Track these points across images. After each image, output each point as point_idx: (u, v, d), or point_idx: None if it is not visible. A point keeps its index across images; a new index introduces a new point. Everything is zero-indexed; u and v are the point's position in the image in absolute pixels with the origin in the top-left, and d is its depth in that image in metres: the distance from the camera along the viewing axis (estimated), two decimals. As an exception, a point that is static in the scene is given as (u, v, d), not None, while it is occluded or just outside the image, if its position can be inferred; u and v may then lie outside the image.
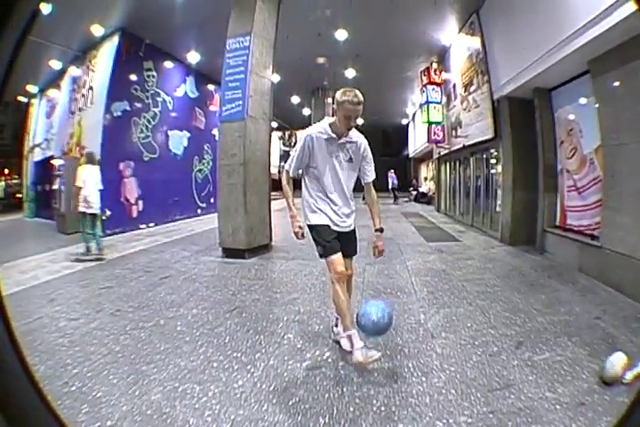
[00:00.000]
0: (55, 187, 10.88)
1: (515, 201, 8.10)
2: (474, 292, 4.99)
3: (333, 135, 3.07)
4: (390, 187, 22.36)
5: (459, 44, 11.28)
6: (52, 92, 13.60)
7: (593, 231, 5.89)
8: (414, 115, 22.31)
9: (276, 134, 36.36)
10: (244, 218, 7.09)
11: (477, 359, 3.16)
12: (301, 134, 3.19)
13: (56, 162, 11.40)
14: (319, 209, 3.17)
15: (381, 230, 3.32)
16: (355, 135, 3.18)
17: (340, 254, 3.13)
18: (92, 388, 2.66)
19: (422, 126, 16.29)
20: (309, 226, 3.21)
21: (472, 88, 10.28)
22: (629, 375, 2.80)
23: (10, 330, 0.89)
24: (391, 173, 22.82)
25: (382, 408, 2.51)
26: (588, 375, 2.86)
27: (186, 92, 13.54)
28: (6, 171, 23.28)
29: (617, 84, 5.11)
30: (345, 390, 2.74)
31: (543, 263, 6.55)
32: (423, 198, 21.64)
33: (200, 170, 14.22)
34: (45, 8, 8.05)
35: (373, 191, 3.39)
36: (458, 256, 7.22)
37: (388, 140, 32.26)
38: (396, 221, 13.28)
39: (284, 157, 37.17)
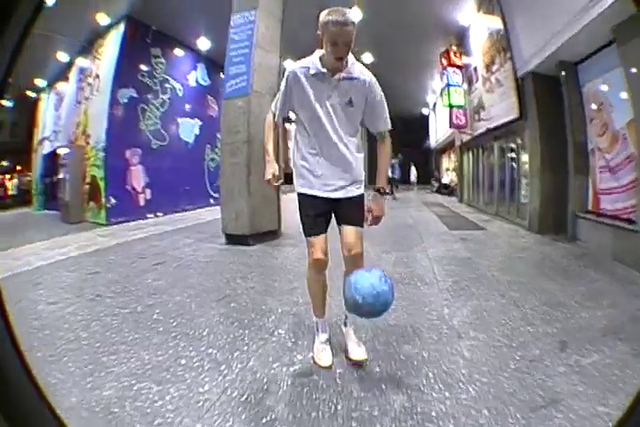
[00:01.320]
0: (60, 176, 10.48)
1: (543, 185, 7.34)
2: (504, 282, 4.23)
3: (324, 70, 2.24)
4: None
5: (478, 23, 10.53)
6: (60, 85, 13.27)
7: (629, 215, 5.19)
8: (435, 104, 21.36)
9: (294, 128, 35.59)
10: (248, 200, 6.41)
11: (516, 366, 2.39)
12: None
13: (61, 151, 11.04)
14: (308, 171, 2.42)
15: (381, 192, 2.51)
16: (357, 70, 2.31)
17: (323, 237, 2.42)
18: (49, 373, 2.29)
19: (444, 115, 15.53)
20: (297, 193, 2.49)
21: (494, 67, 9.56)
22: None
23: (10, 330, 0.86)
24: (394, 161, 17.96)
25: (388, 437, 1.78)
26: (640, 380, 2.17)
27: (197, 80, 12.95)
28: (18, 167, 23.03)
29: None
30: (339, 407, 2.00)
31: (576, 252, 5.80)
32: (445, 189, 20.76)
33: (212, 159, 13.52)
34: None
35: (387, 143, 2.53)
36: (484, 245, 6.46)
37: (408, 131, 31.04)
38: (417, 210, 12.58)
39: None
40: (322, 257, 2.40)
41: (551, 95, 7.10)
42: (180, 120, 12.03)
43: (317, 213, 2.41)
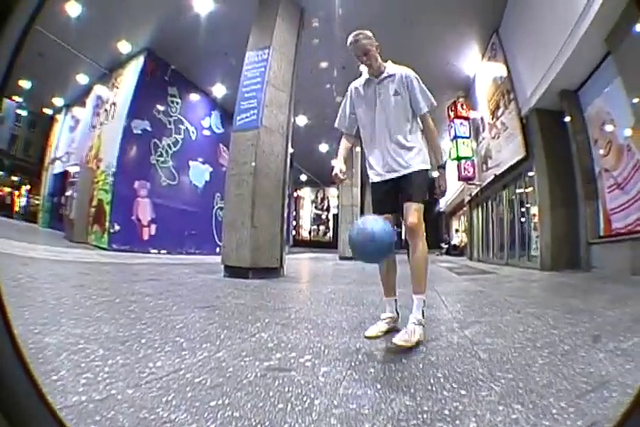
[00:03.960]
0: (68, 193, 10.39)
1: (554, 220, 7.25)
2: (520, 303, 3.84)
3: (370, 77, 2.74)
4: None
5: (483, 72, 10.83)
6: (77, 109, 13.56)
7: None
8: (444, 164, 21.41)
9: (307, 195, 35.79)
10: (251, 232, 6.09)
11: (545, 361, 1.97)
12: None
13: (72, 169, 11.07)
14: (369, 162, 2.76)
15: (443, 167, 2.84)
16: (394, 69, 2.72)
17: (383, 217, 2.54)
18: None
19: (452, 174, 15.39)
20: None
21: (499, 112, 9.74)
22: None
23: (10, 330, 0.84)
24: None
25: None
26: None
27: (211, 127, 13.05)
28: (28, 186, 23.08)
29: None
30: (317, 402, 1.49)
31: (593, 277, 5.66)
32: (455, 250, 20.53)
33: (221, 208, 13.15)
34: (74, 9, 7.93)
35: (428, 123, 2.71)
36: (494, 281, 6.06)
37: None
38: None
39: (316, 220, 36.23)
40: None
41: (555, 129, 7.27)
42: (191, 163, 11.99)
43: (380, 196, 2.71)
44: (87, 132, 11.77)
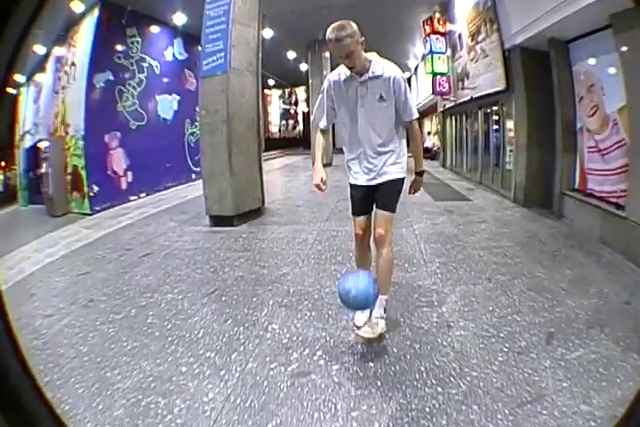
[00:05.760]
0: (43, 170, 10.41)
1: (529, 160, 7.25)
2: (492, 263, 4.32)
3: (352, 73, 2.62)
4: None
5: None
6: (38, 77, 12.94)
7: (618, 199, 5.13)
8: (417, 68, 21.05)
9: (275, 93, 35.47)
10: (231, 181, 6.38)
11: (503, 359, 2.52)
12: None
13: (42, 144, 10.92)
14: (349, 164, 2.92)
15: (421, 174, 3.00)
16: (380, 68, 2.61)
17: (362, 217, 2.93)
18: (61, 399, 2.25)
19: (425, 79, 15.45)
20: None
21: (480, 37, 9.27)
22: None
23: (10, 330, 0.87)
24: None
25: (387, 435, 1.89)
26: (623, 380, 2.26)
27: (174, 55, 12.66)
28: (2, 163, 22.22)
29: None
30: (339, 407, 2.12)
31: (562, 230, 5.83)
32: (427, 153, 20.71)
33: (192, 133, 13.26)
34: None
35: (415, 132, 2.86)
36: (469, 218, 6.54)
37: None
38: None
39: (285, 115, 36.41)
40: (360, 233, 2.93)
41: (540, 70, 6.84)
42: (158, 98, 11.83)
43: (359, 197, 2.91)
44: (51, 100, 11.34)
